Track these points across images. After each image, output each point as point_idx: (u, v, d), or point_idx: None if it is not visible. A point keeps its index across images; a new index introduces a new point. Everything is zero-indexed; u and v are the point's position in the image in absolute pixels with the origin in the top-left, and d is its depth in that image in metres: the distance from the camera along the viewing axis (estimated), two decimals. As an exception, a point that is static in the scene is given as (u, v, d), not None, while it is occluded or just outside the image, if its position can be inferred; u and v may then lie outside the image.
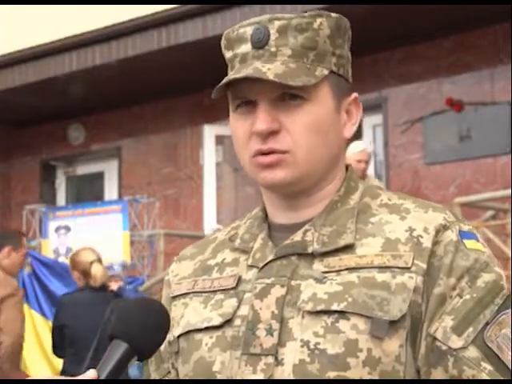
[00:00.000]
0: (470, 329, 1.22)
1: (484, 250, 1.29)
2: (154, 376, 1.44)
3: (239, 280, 1.34)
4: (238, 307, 1.31)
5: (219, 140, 8.07)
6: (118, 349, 1.15)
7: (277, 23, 1.32)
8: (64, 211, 8.35)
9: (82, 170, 9.84)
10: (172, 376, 1.41)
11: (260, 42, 1.32)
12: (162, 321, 1.21)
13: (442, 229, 1.28)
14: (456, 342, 1.21)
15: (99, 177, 9.69)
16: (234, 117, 1.35)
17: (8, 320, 5.11)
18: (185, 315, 1.37)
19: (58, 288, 6.92)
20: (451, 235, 1.28)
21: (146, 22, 7.56)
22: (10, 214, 9.90)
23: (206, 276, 1.39)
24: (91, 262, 5.22)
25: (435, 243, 1.26)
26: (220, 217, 8.15)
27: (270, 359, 1.25)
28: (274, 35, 1.31)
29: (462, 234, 1.29)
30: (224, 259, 1.39)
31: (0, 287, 5.18)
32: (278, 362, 1.24)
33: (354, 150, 5.92)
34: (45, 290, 7.09)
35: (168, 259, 7.83)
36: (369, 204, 1.35)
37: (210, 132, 8.06)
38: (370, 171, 7.57)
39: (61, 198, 9.91)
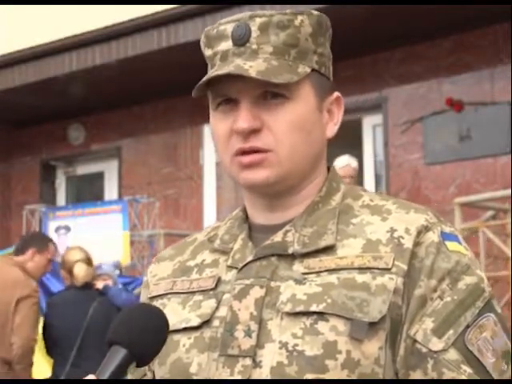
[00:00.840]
0: (451, 331, 1.20)
1: (465, 252, 1.28)
2: (130, 377, 1.41)
3: (218, 281, 1.32)
4: (217, 308, 1.29)
5: (219, 140, 8.06)
6: (117, 354, 1.14)
7: (258, 20, 1.30)
8: (64, 211, 8.35)
9: (82, 169, 9.83)
10: (148, 378, 1.39)
11: (241, 40, 1.29)
12: (161, 326, 1.20)
13: (423, 230, 1.26)
14: (436, 345, 1.20)
15: (99, 177, 9.69)
16: (214, 116, 1.33)
17: (22, 322, 5.11)
18: None
19: (58, 288, 6.91)
20: (433, 236, 1.26)
21: (146, 22, 7.55)
22: (10, 214, 9.90)
23: (185, 277, 1.37)
24: (75, 262, 5.25)
25: (416, 244, 1.25)
26: (220, 217, 8.14)
27: (248, 361, 1.23)
28: (255, 32, 1.29)
29: (444, 236, 1.27)
30: (204, 260, 1.38)
31: (18, 288, 5.17)
32: (256, 364, 1.23)
33: (337, 166, 5.80)
34: (45, 290, 7.09)
35: (168, 259, 7.82)
36: (350, 205, 1.33)
37: (209, 132, 8.05)
38: (370, 171, 7.57)
39: (61, 198, 9.91)
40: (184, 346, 1.30)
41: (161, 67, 7.88)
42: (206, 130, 8.09)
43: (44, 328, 5.30)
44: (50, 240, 5.82)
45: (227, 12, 6.98)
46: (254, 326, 1.24)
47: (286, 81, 1.26)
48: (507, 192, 5.92)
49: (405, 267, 1.23)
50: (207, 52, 1.35)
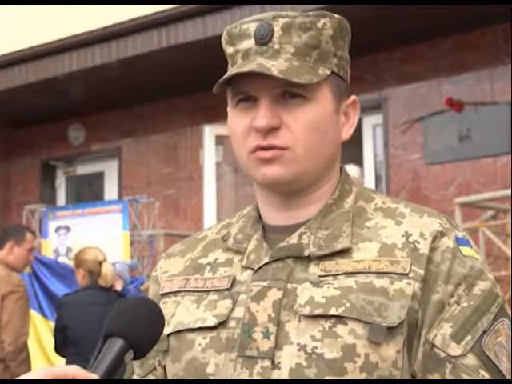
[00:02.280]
0: (469, 337, 1.22)
1: (477, 256, 1.30)
2: (138, 372, 1.43)
3: (233, 281, 1.32)
4: (233, 309, 1.30)
5: (219, 140, 8.07)
6: (113, 345, 1.16)
7: (281, 21, 1.31)
8: (64, 211, 8.34)
9: (82, 169, 9.83)
10: (159, 373, 1.40)
11: (264, 39, 1.31)
12: (155, 315, 1.22)
13: (438, 235, 1.28)
14: (455, 350, 1.21)
15: (99, 177, 9.69)
16: (233, 112, 1.34)
17: (9, 319, 5.10)
18: (176, 314, 1.36)
19: (58, 288, 6.92)
20: (448, 242, 1.27)
21: (146, 22, 7.55)
22: (10, 214, 9.90)
23: (197, 275, 1.38)
24: (100, 262, 5.21)
25: (432, 249, 1.26)
26: (220, 217, 8.14)
27: (267, 362, 1.24)
28: (277, 32, 1.30)
29: (458, 241, 1.29)
30: (216, 259, 1.38)
31: (1, 285, 5.17)
32: (275, 366, 1.23)
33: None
34: (45, 290, 7.09)
35: (168, 259, 7.82)
36: (364, 207, 1.34)
37: (210, 132, 8.06)
38: (370, 171, 7.57)
39: (61, 198, 9.91)
40: (200, 345, 1.30)
41: (161, 67, 7.88)
42: (206, 129, 8.08)
43: (58, 327, 5.23)
44: (27, 229, 5.81)
45: (227, 12, 6.99)
46: (272, 328, 1.25)
47: (306, 81, 1.27)
48: (507, 192, 5.92)
49: (421, 272, 1.24)
50: (229, 50, 1.36)
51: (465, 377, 1.20)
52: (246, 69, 1.27)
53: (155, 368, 1.41)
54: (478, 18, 6.80)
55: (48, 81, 8.32)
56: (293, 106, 1.29)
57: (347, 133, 1.37)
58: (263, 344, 1.25)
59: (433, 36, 7.17)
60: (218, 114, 8.04)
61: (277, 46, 1.30)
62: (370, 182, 7.44)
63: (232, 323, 1.29)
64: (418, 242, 1.26)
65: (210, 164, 8.17)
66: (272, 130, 1.29)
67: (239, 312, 1.29)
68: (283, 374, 1.23)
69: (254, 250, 1.34)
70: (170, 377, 1.36)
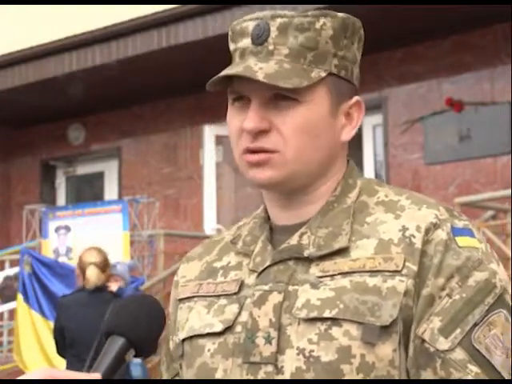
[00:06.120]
0: (458, 330, 1.20)
1: (479, 245, 1.26)
2: (166, 375, 1.44)
3: (241, 285, 1.32)
4: (239, 313, 1.30)
5: (219, 140, 8.07)
6: (114, 343, 1.16)
7: (278, 20, 1.29)
8: (64, 211, 8.34)
9: (82, 169, 9.84)
10: (179, 377, 1.41)
11: (259, 39, 1.29)
12: (156, 313, 1.22)
13: (432, 227, 1.25)
14: (443, 344, 1.19)
15: (99, 177, 9.69)
16: (230, 110, 1.34)
17: None
18: (189, 319, 1.36)
19: (58, 288, 6.92)
20: (441, 234, 1.25)
21: (146, 22, 7.56)
22: (10, 214, 9.90)
23: (210, 279, 1.38)
24: (89, 264, 5.21)
25: (425, 242, 1.24)
26: (220, 217, 8.14)
27: (270, 368, 1.24)
28: (273, 33, 1.29)
29: (455, 231, 1.26)
30: (229, 262, 1.38)
31: None
32: (278, 371, 1.24)
33: None
34: (45, 290, 7.09)
35: (168, 259, 7.83)
36: (366, 202, 1.32)
37: (210, 132, 8.06)
38: (370, 171, 7.58)
39: (61, 198, 9.91)
40: (209, 350, 1.31)
41: (161, 67, 7.89)
42: (206, 130, 8.08)
43: (56, 328, 5.26)
44: None
45: (227, 12, 6.99)
46: (273, 333, 1.25)
47: (294, 86, 1.25)
48: (507, 192, 5.93)
49: (415, 268, 1.23)
50: (231, 46, 1.36)
51: (454, 372, 1.18)
52: (233, 71, 1.27)
53: (179, 372, 1.42)
54: (478, 18, 6.80)
55: (48, 81, 8.32)
56: (283, 108, 1.28)
57: (348, 134, 1.34)
58: (265, 349, 1.25)
59: (433, 36, 7.17)
60: (217, 114, 8.03)
61: (271, 47, 1.29)
62: (369, 182, 7.43)
63: (238, 328, 1.29)
64: (414, 236, 1.24)
65: (210, 164, 8.17)
66: (262, 133, 1.27)
67: (245, 316, 1.29)
68: (286, 378, 1.23)
69: (260, 252, 1.34)
70: None
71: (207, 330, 1.32)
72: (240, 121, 1.30)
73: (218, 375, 1.28)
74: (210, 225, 8.09)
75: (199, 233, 8.16)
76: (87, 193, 9.82)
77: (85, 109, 9.18)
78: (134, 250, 7.92)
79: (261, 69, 1.26)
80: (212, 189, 8.17)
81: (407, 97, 7.38)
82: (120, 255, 7.40)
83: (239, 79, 1.28)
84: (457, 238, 1.25)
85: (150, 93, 8.64)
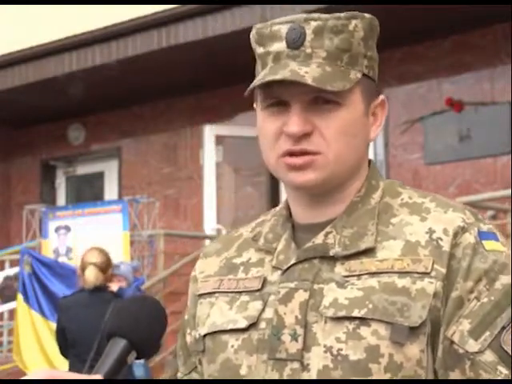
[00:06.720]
0: (487, 333, 1.22)
1: (503, 249, 1.28)
2: (183, 370, 1.45)
3: (264, 281, 1.34)
4: (263, 310, 1.31)
5: (219, 140, 8.07)
6: (116, 345, 1.16)
7: (313, 24, 1.31)
8: (64, 211, 8.34)
9: (82, 169, 9.84)
10: (200, 372, 1.42)
11: (296, 43, 1.30)
12: (158, 314, 1.23)
13: (460, 231, 1.28)
14: (473, 346, 1.22)
15: (99, 177, 9.69)
16: (263, 115, 1.34)
17: None
18: (210, 315, 1.37)
19: (58, 288, 6.92)
20: (469, 238, 1.27)
21: (146, 22, 7.56)
22: (10, 214, 9.91)
23: (231, 275, 1.39)
24: (89, 264, 5.20)
25: (454, 246, 1.26)
26: (220, 217, 8.15)
27: (296, 364, 1.25)
28: (309, 36, 1.30)
29: (482, 235, 1.28)
30: (249, 259, 1.39)
31: None
32: (304, 368, 1.25)
33: None
34: (45, 290, 7.09)
35: (168, 259, 7.84)
36: (390, 203, 1.34)
37: (210, 132, 8.06)
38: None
39: (61, 198, 9.91)
40: (232, 346, 1.32)
41: (161, 67, 7.89)
42: (206, 130, 8.08)
43: (58, 330, 5.26)
44: None
45: (227, 12, 6.99)
46: (299, 330, 1.26)
47: (339, 88, 1.27)
48: (507, 192, 5.93)
49: (443, 270, 1.25)
50: (259, 50, 1.36)
51: (483, 373, 1.21)
52: (279, 76, 1.27)
53: (197, 366, 1.43)
54: (478, 18, 6.80)
55: (48, 81, 8.32)
56: (325, 111, 1.29)
57: (375, 133, 1.37)
58: (291, 346, 1.26)
59: (433, 36, 7.17)
60: (218, 114, 8.05)
61: (309, 50, 1.30)
62: (369, 182, 7.44)
63: (262, 324, 1.30)
64: (441, 239, 1.27)
65: (210, 164, 8.17)
66: (304, 136, 1.29)
67: (269, 313, 1.30)
68: (312, 375, 1.24)
69: (283, 250, 1.35)
70: (205, 377, 1.37)
71: (230, 326, 1.32)
72: (278, 125, 1.30)
73: (243, 371, 1.30)
74: (210, 225, 8.09)
75: (199, 233, 8.17)
76: (87, 193, 9.83)
77: (85, 109, 9.18)
78: (134, 250, 7.93)
79: (307, 73, 1.27)
80: (212, 189, 8.18)
81: (407, 97, 7.38)
82: (120, 255, 7.40)
83: (278, 84, 1.29)
84: (483, 242, 1.28)
85: (149, 93, 8.64)
